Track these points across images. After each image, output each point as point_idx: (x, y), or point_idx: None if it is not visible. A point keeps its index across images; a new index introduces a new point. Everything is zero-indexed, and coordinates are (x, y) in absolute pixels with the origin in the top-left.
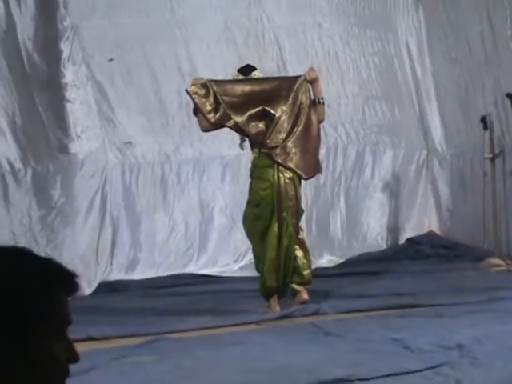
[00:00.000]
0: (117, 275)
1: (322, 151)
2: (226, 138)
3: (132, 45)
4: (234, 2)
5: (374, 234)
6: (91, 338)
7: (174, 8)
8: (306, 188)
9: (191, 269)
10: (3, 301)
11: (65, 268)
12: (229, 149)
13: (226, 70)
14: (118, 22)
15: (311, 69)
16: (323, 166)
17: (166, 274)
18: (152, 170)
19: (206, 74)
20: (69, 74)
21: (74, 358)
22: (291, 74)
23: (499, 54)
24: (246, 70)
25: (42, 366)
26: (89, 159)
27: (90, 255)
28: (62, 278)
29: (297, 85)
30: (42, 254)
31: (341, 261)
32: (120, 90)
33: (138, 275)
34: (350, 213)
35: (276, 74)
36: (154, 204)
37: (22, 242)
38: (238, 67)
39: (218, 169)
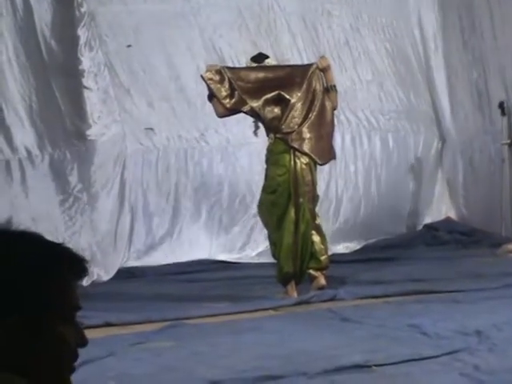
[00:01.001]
0: (135, 261)
1: (348, 137)
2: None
3: (148, 31)
4: None
5: (392, 220)
6: (109, 324)
7: None
8: (338, 178)
9: (208, 255)
10: (9, 287)
11: (74, 253)
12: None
13: (239, 56)
14: (133, 9)
15: (323, 57)
16: (350, 153)
17: (183, 261)
18: (175, 156)
19: (221, 61)
20: (86, 61)
21: (83, 342)
22: (305, 60)
23: (507, 40)
24: (259, 57)
25: (51, 350)
26: (106, 146)
27: (108, 242)
28: (70, 263)
29: (309, 72)
30: (61, 240)
31: (358, 247)
32: (137, 76)
33: (155, 261)
34: (374, 200)
35: (290, 61)
36: (174, 190)
37: (41, 228)
38: (252, 53)
39: (243, 155)
